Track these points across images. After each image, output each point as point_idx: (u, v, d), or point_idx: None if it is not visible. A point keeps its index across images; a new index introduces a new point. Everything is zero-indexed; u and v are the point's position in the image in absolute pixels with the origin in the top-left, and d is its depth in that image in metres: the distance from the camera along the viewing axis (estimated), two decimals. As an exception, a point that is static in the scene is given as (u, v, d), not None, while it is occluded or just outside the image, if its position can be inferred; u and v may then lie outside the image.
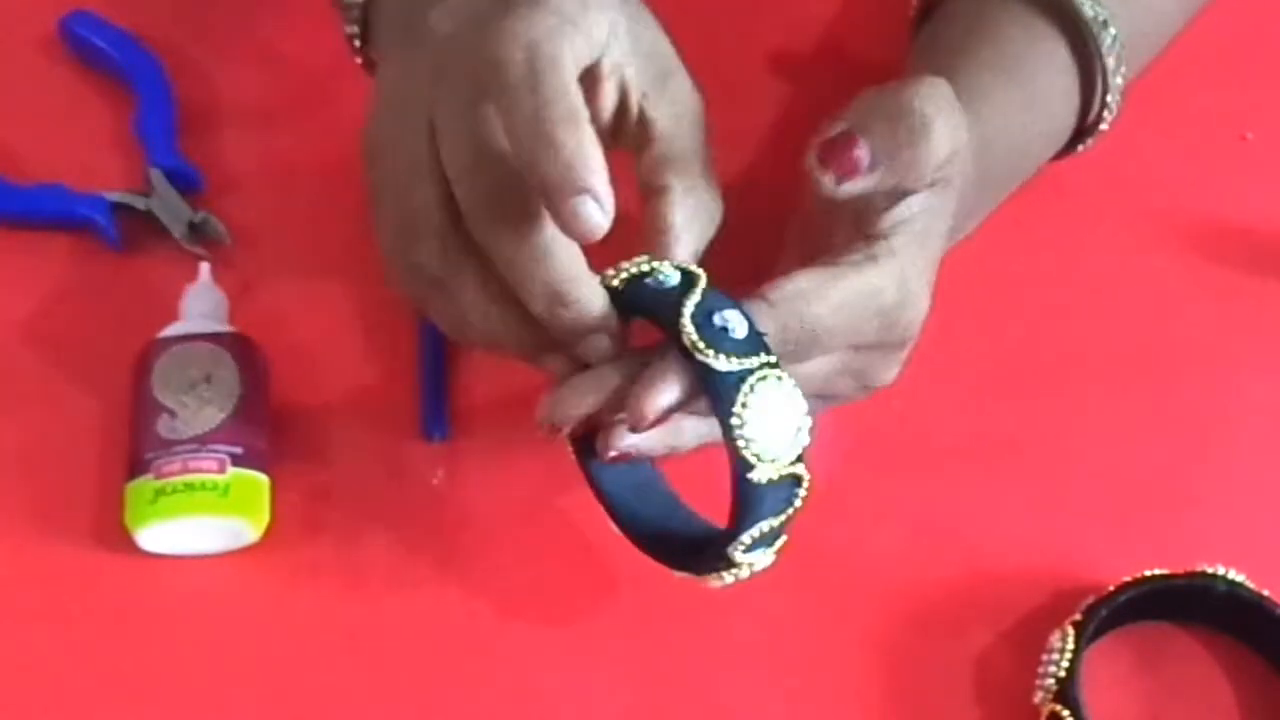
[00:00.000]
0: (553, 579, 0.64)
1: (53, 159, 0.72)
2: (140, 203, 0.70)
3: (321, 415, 0.67)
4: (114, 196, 0.70)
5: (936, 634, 0.63)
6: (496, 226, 0.54)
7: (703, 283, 0.54)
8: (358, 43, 0.66)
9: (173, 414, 0.62)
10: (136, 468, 0.62)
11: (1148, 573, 0.62)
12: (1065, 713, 0.59)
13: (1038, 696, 0.60)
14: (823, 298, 0.56)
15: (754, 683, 0.62)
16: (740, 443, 0.52)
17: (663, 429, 0.58)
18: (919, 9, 0.71)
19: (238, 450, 0.62)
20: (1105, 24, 0.66)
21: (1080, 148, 0.69)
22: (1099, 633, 0.61)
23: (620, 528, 0.60)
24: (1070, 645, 0.60)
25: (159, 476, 0.61)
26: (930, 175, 0.58)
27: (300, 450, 0.65)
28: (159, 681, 0.61)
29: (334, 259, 0.70)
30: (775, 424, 0.53)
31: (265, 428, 0.64)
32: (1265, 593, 0.62)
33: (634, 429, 0.55)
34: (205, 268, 0.68)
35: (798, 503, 0.55)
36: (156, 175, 0.70)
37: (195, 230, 0.70)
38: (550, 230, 0.54)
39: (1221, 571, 0.62)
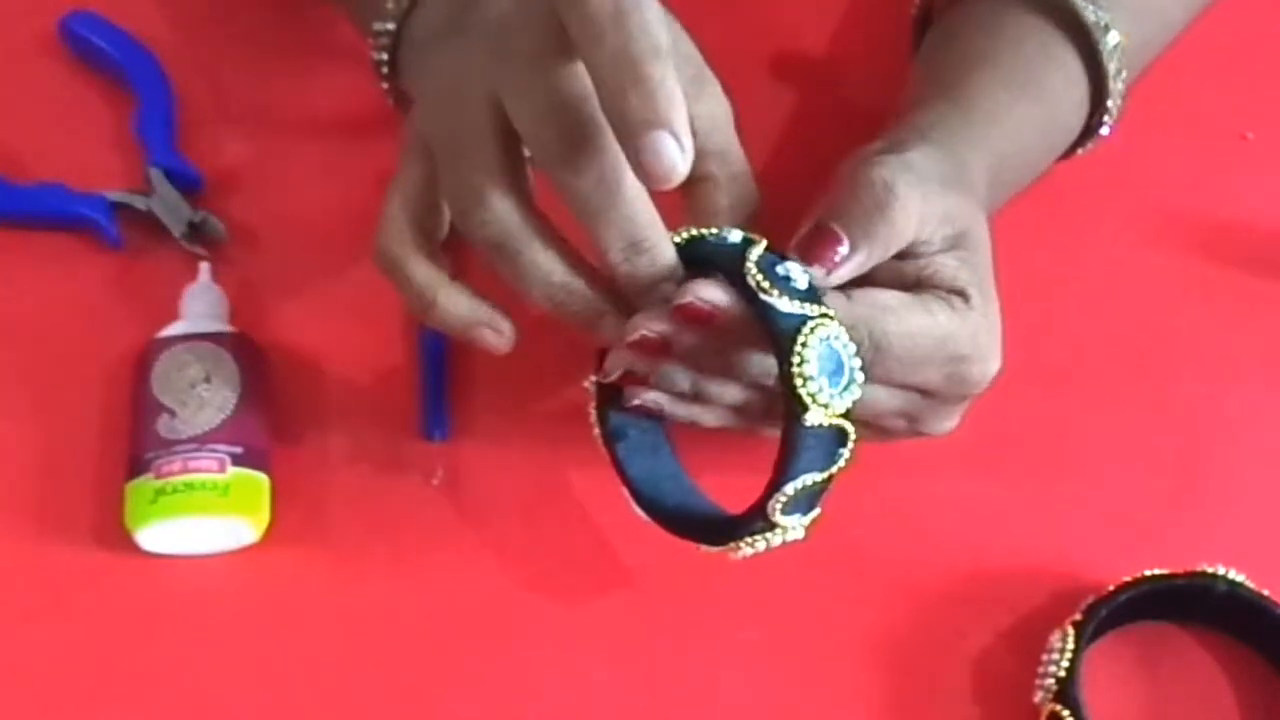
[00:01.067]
0: (552, 578, 0.64)
1: (53, 159, 0.72)
2: (140, 202, 0.70)
3: (321, 415, 0.67)
4: (114, 196, 0.70)
5: (936, 634, 0.63)
6: (576, 169, 0.53)
7: (764, 242, 0.55)
8: (385, 69, 0.66)
9: (173, 414, 0.62)
10: (136, 467, 0.62)
11: (1148, 573, 0.62)
12: (1065, 713, 0.59)
13: (1038, 696, 0.60)
14: (901, 320, 0.56)
15: (754, 683, 0.62)
16: (799, 381, 0.53)
17: (691, 405, 0.59)
18: (920, 10, 0.71)
19: (238, 450, 0.62)
20: (1107, 29, 0.66)
21: (1079, 151, 0.69)
22: (1099, 633, 0.61)
23: (643, 508, 0.60)
24: (1070, 645, 0.60)
25: (159, 476, 0.61)
26: (913, 237, 0.58)
27: (300, 450, 0.65)
28: (159, 681, 0.61)
29: (334, 259, 0.70)
30: (830, 369, 0.53)
31: (265, 428, 0.64)
32: (1265, 593, 0.62)
33: (675, 319, 0.55)
34: (205, 268, 0.68)
35: (841, 462, 0.55)
36: (156, 175, 0.70)
37: (195, 230, 0.70)
38: (629, 176, 0.53)
39: (1221, 571, 0.62)
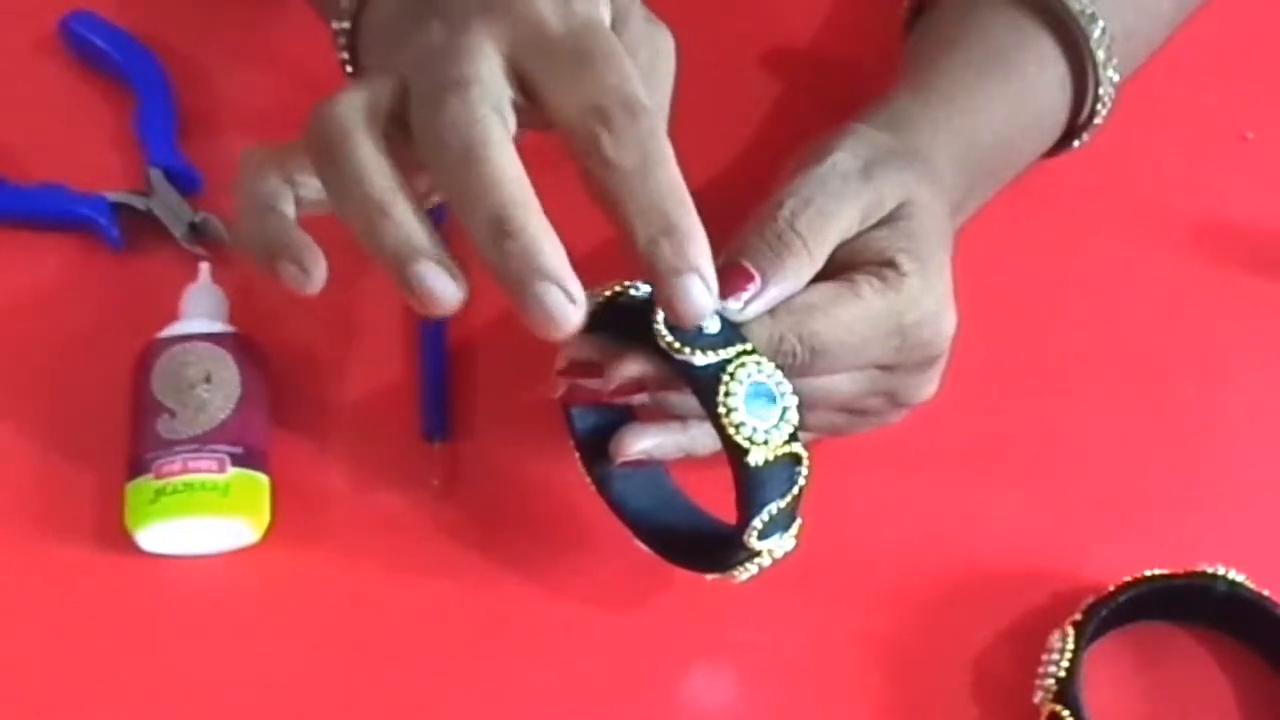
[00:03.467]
0: (552, 579, 0.64)
1: (53, 159, 0.72)
2: (140, 203, 0.70)
3: (321, 415, 0.67)
4: (114, 196, 0.70)
5: (936, 634, 0.63)
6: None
7: None
8: (348, 69, 0.64)
9: (173, 414, 0.62)
10: (136, 468, 0.62)
11: (1148, 573, 0.62)
12: (1065, 713, 0.59)
13: (1038, 696, 0.60)
14: (829, 314, 0.56)
15: (754, 683, 0.62)
16: (730, 430, 0.53)
17: (676, 433, 0.59)
18: (911, 7, 0.71)
19: (238, 450, 0.62)
20: (1093, 17, 0.66)
21: (1076, 143, 0.69)
22: (1099, 633, 0.61)
23: (640, 538, 0.61)
24: (1070, 645, 0.60)
25: (159, 476, 0.61)
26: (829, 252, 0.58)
27: (300, 450, 0.65)
28: (159, 681, 0.61)
29: (334, 259, 0.70)
30: (760, 406, 0.53)
31: (265, 428, 0.64)
32: (1265, 593, 0.62)
33: (607, 393, 0.56)
34: (205, 268, 0.68)
35: (801, 481, 0.55)
36: (156, 175, 0.70)
37: (195, 230, 0.70)
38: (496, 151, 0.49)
39: (1221, 571, 0.62)
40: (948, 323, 0.59)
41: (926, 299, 0.58)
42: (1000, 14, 0.67)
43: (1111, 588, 0.62)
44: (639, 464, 0.59)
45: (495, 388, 0.68)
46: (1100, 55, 0.66)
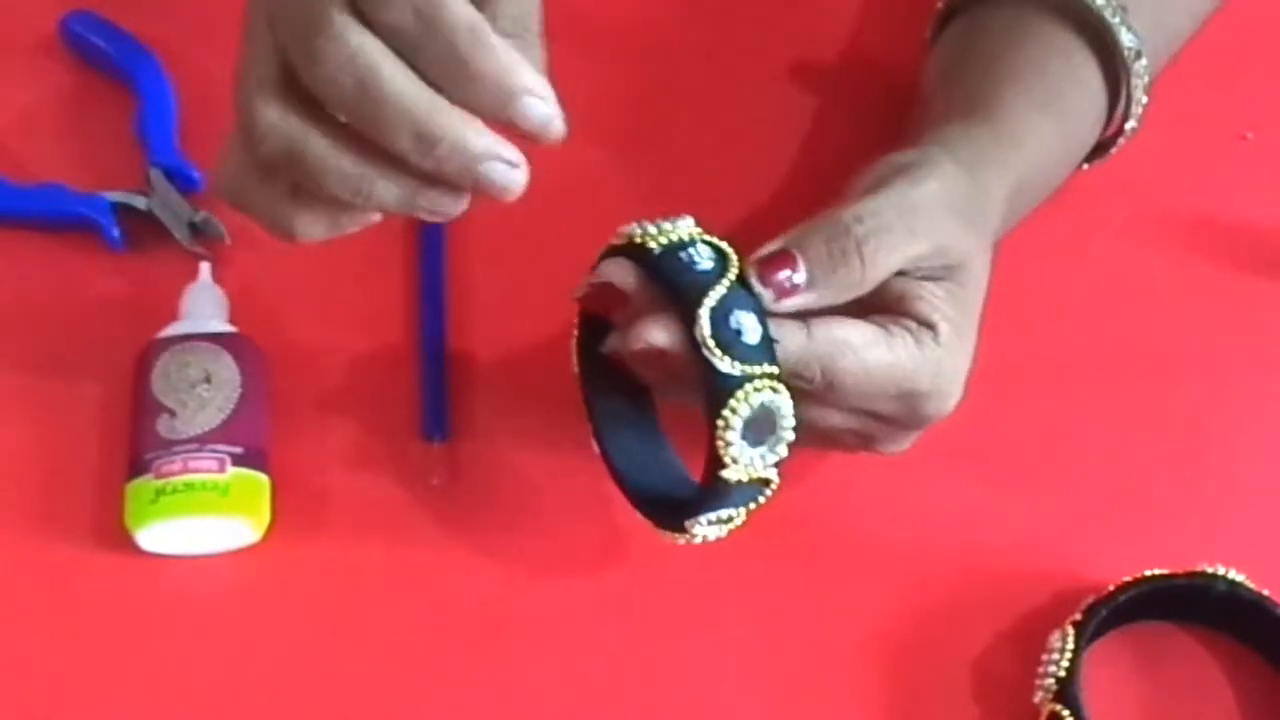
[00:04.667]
0: (551, 578, 0.64)
1: (53, 159, 0.72)
2: (140, 203, 0.70)
3: (321, 415, 0.67)
4: (114, 196, 0.70)
5: (936, 634, 0.63)
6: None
7: (732, 273, 0.54)
8: None
9: (173, 414, 0.63)
10: (136, 467, 0.62)
11: (1148, 573, 0.62)
12: (1065, 713, 0.59)
13: (1038, 696, 0.60)
14: (859, 357, 0.56)
15: (754, 682, 0.62)
16: (721, 444, 0.53)
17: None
18: (946, 5, 0.70)
19: (238, 450, 0.62)
20: (1139, 54, 0.66)
21: (1086, 166, 0.70)
22: (1099, 633, 0.61)
23: (618, 483, 0.61)
24: (1070, 645, 0.60)
25: (159, 476, 0.61)
26: (879, 282, 0.57)
27: (300, 450, 0.65)
28: (159, 681, 0.61)
29: (334, 259, 0.70)
30: (760, 435, 0.53)
31: (265, 428, 0.64)
32: (1265, 593, 0.62)
33: (623, 347, 0.55)
34: (205, 268, 0.68)
35: (761, 500, 0.56)
36: (156, 175, 0.70)
37: (195, 230, 0.70)
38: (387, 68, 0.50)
39: (1221, 571, 0.62)
40: (954, 400, 0.59)
41: (946, 372, 0.58)
42: (1054, 43, 0.66)
43: (1111, 588, 0.62)
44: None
45: (495, 388, 0.68)
46: (1138, 91, 0.67)
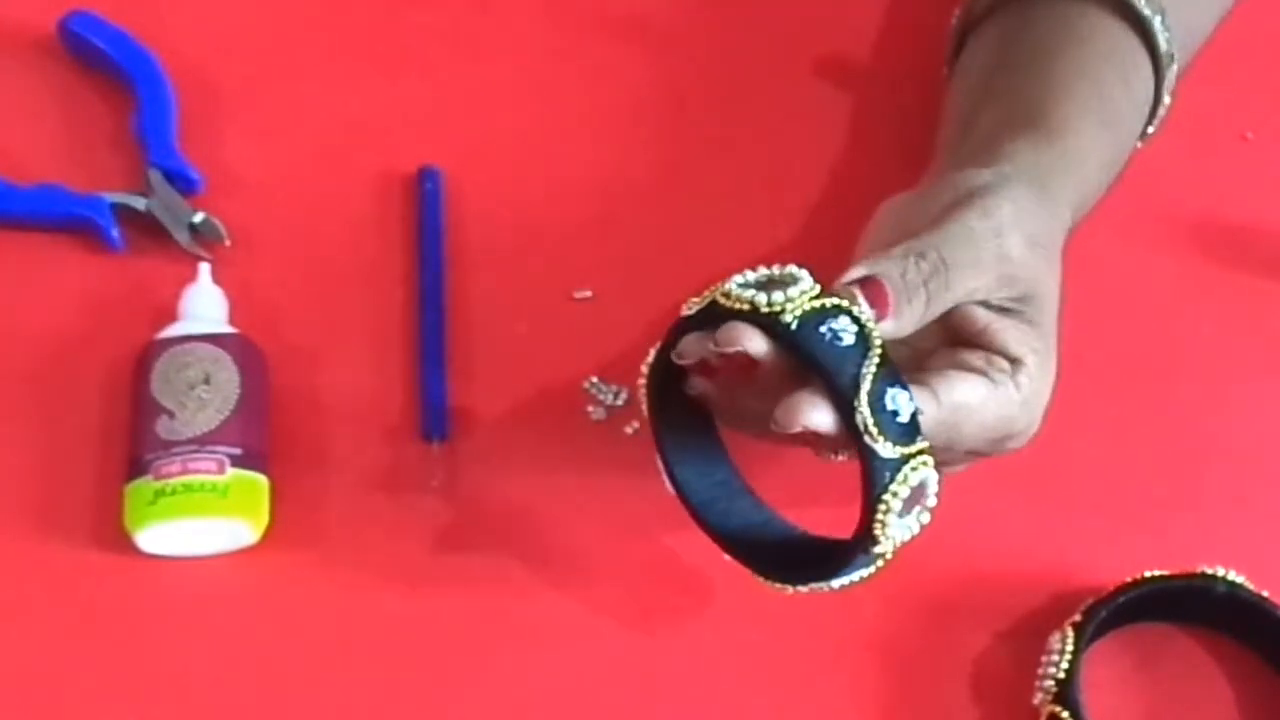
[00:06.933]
0: (551, 580, 0.64)
1: (53, 159, 0.72)
2: (140, 203, 0.70)
3: (321, 415, 0.67)
4: (114, 197, 0.70)
5: (936, 634, 0.63)
6: None
7: (878, 349, 0.53)
8: None
9: (172, 415, 0.62)
10: (136, 469, 0.62)
11: (1147, 573, 0.62)
12: (1065, 713, 0.59)
13: (1037, 697, 0.60)
14: (979, 421, 0.57)
15: (754, 683, 0.62)
16: (879, 524, 0.53)
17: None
18: (961, 20, 0.70)
19: (237, 451, 0.62)
20: (1172, 59, 0.66)
21: None
22: (1098, 633, 0.61)
23: (733, 554, 0.60)
24: (1070, 646, 0.60)
25: (158, 477, 0.61)
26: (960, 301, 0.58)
27: (300, 451, 0.65)
28: (159, 681, 0.61)
29: (334, 259, 0.70)
30: (914, 510, 0.54)
31: (265, 428, 0.64)
32: (1265, 593, 0.62)
33: (781, 426, 0.54)
34: (205, 268, 0.68)
35: (880, 563, 0.55)
36: (156, 175, 0.70)
37: (195, 230, 0.70)
38: None
39: (1221, 572, 0.62)
40: (1035, 431, 0.60)
41: (1035, 402, 0.59)
42: (1118, 41, 0.66)
43: (1111, 589, 0.62)
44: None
45: (495, 388, 0.68)
46: (1166, 94, 0.67)
